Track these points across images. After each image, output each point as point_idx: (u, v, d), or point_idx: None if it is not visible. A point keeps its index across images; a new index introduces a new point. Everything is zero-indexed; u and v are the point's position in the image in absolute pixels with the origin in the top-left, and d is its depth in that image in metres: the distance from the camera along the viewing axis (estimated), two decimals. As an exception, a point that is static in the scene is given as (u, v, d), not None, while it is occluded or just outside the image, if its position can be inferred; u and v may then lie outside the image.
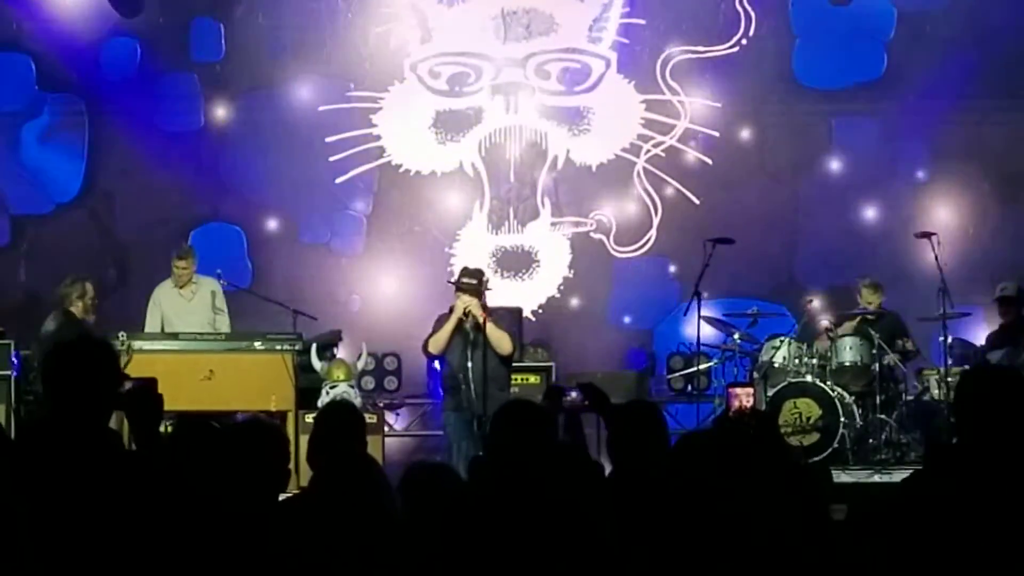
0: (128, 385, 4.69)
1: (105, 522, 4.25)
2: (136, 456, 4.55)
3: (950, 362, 12.98)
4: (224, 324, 12.81)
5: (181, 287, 12.89)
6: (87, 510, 4.25)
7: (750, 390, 13.04)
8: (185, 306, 12.84)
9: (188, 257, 13.01)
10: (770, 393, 12.90)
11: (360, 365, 13.22)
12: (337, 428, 6.14)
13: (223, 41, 15.51)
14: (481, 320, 10.90)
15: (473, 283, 11.08)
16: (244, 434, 4.85)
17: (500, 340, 11.03)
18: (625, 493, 5.34)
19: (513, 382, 11.81)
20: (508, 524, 4.62)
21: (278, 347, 11.89)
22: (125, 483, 4.33)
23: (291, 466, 5.33)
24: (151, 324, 12.76)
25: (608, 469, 5.82)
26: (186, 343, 11.90)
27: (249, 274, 15.28)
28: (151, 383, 4.69)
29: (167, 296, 12.94)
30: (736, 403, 12.73)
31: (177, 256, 13.02)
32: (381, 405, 13.63)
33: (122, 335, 11.64)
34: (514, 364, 11.61)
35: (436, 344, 11.10)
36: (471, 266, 11.59)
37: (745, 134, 15.56)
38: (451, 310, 11.25)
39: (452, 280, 11.47)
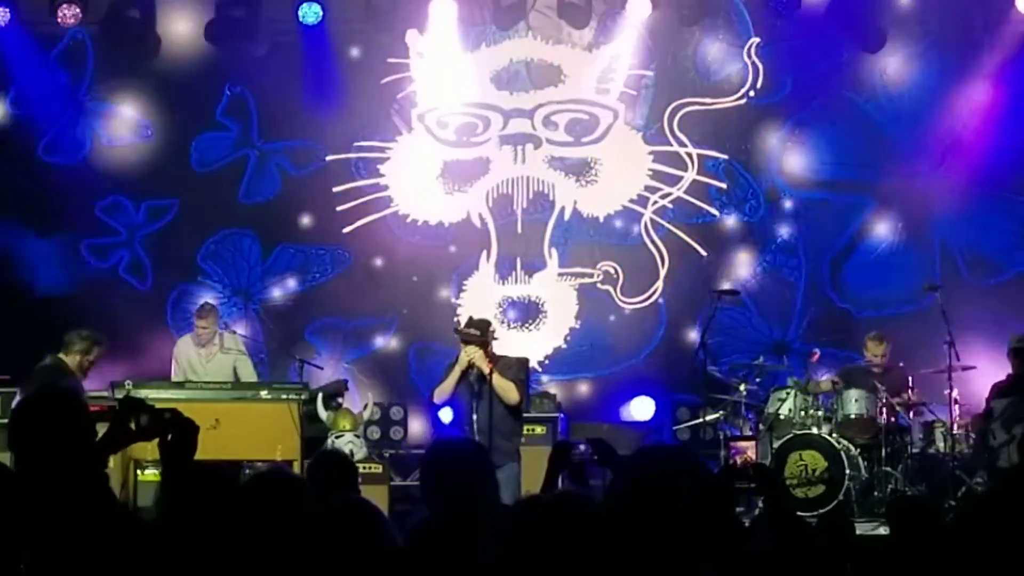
0: (144, 419, 4.65)
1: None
2: (108, 509, 4.49)
3: (956, 415, 12.98)
4: (244, 366, 12.79)
5: (202, 346, 12.92)
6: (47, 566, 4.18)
7: (752, 444, 13.03)
8: (203, 366, 12.85)
9: (208, 316, 13.06)
10: (776, 445, 12.89)
11: (366, 415, 13.23)
12: (327, 477, 6.15)
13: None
14: (486, 371, 10.83)
15: (476, 334, 11.00)
16: (264, 485, 4.80)
17: (507, 390, 10.83)
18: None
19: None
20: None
21: (284, 397, 11.85)
22: (92, 538, 4.25)
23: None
24: (176, 377, 12.87)
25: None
26: (192, 392, 11.87)
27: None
28: (177, 413, 4.66)
29: (186, 353, 12.99)
30: (739, 458, 12.75)
31: (197, 316, 13.14)
32: (387, 455, 13.60)
33: (128, 383, 11.64)
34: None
35: (440, 395, 11.03)
36: (476, 317, 11.54)
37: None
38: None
39: (457, 329, 11.43)
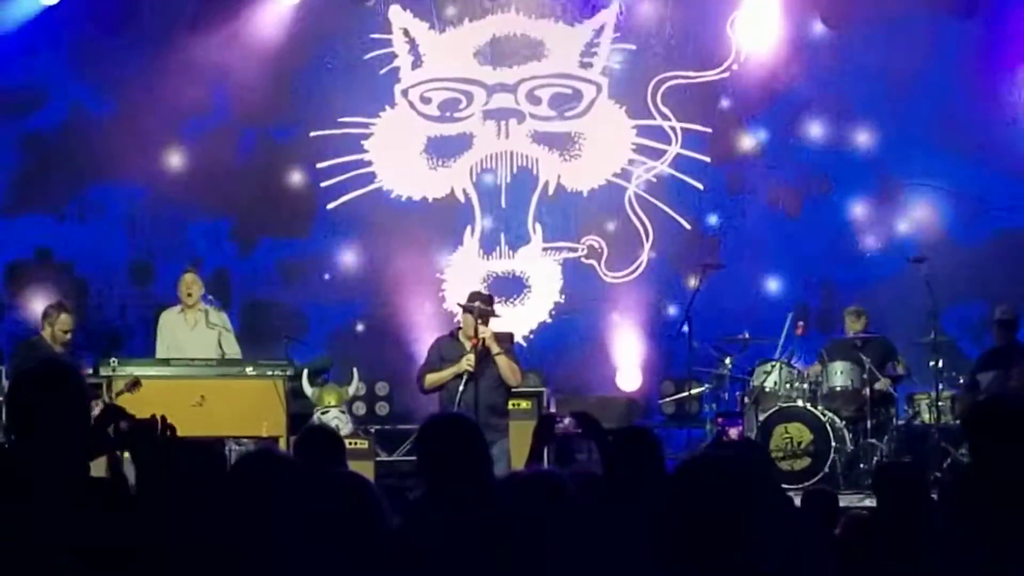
0: (124, 425, 4.60)
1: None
2: (102, 486, 4.45)
3: (941, 386, 13.02)
4: (228, 342, 12.64)
5: (187, 309, 12.75)
6: (41, 543, 4.16)
7: (738, 422, 13.10)
8: (187, 332, 12.72)
9: (193, 278, 12.92)
10: (761, 418, 12.92)
11: (351, 390, 13.22)
12: (315, 452, 6.15)
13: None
14: (495, 351, 10.93)
15: (489, 311, 11.12)
16: (254, 463, 4.76)
17: (514, 371, 11.12)
18: (619, 516, 5.34)
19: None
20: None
21: (269, 373, 11.83)
22: (87, 515, 4.23)
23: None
24: (160, 351, 12.67)
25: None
26: (177, 369, 11.80)
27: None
28: (153, 423, 4.61)
29: (171, 322, 12.82)
30: (727, 434, 12.82)
31: (183, 279, 12.91)
32: (372, 431, 13.59)
33: (113, 361, 11.59)
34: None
35: (432, 384, 11.12)
36: (476, 291, 11.60)
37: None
38: (451, 334, 11.31)
39: (465, 305, 11.38)
